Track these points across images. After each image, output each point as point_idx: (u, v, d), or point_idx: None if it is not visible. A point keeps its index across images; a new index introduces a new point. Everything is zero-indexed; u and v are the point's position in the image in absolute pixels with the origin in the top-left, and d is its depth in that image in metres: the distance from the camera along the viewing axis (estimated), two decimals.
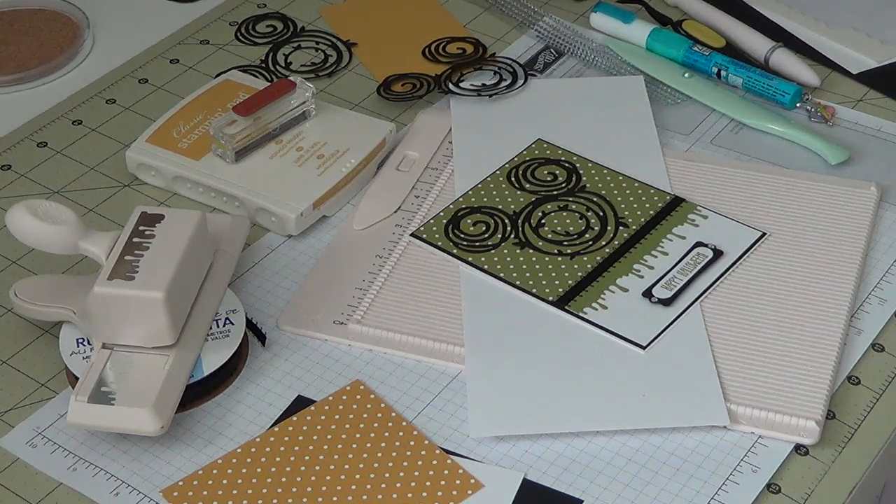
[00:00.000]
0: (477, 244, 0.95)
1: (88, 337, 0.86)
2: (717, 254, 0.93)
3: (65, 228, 0.88)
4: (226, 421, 0.84)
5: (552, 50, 1.15)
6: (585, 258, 0.93)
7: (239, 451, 0.82)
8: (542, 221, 0.96)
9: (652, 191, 0.98)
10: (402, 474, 0.80)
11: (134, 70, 1.14)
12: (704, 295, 0.91)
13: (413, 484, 0.80)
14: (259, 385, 0.87)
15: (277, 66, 1.13)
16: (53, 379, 0.88)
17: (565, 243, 0.95)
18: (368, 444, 0.82)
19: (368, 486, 0.80)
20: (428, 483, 0.80)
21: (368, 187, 1.01)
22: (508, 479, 0.80)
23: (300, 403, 0.85)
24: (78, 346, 0.86)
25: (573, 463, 0.82)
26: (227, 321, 0.87)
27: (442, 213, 0.97)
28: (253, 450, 0.82)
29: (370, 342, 0.89)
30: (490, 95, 1.08)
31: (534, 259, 0.93)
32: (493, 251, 0.94)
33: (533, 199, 0.98)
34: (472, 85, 1.09)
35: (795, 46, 1.13)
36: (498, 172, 1.01)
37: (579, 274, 0.92)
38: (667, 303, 0.90)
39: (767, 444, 0.82)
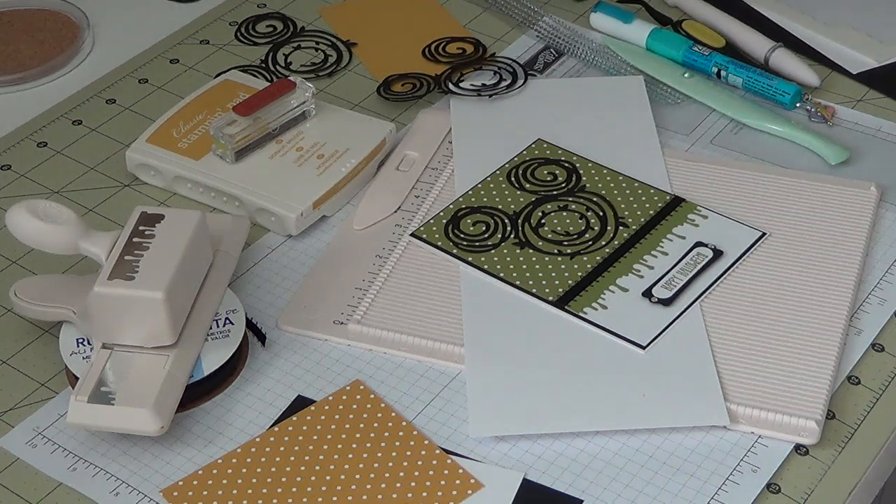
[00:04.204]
0: (477, 244, 0.95)
1: (88, 337, 0.86)
2: (717, 254, 0.93)
3: (65, 228, 0.87)
4: (226, 421, 0.84)
5: (552, 50, 1.15)
6: (585, 258, 0.93)
7: (239, 451, 0.82)
8: (542, 221, 0.96)
9: (652, 191, 0.98)
10: (402, 474, 0.80)
11: (134, 70, 1.14)
12: (704, 295, 0.91)
13: (413, 484, 0.80)
14: (259, 385, 0.87)
15: (277, 66, 1.13)
16: (53, 379, 0.87)
17: (565, 243, 0.94)
18: (368, 444, 0.82)
19: (368, 486, 0.80)
20: (428, 483, 0.80)
21: (368, 187, 1.01)
22: (508, 479, 0.80)
23: (300, 403, 0.85)
24: (78, 346, 0.86)
25: (573, 463, 0.81)
26: (227, 321, 0.87)
27: (442, 213, 0.97)
28: (253, 450, 0.82)
29: (370, 342, 0.89)
30: (490, 95, 1.08)
31: (534, 259, 0.93)
32: (493, 251, 0.94)
33: (533, 199, 0.98)
34: (472, 85, 1.09)
35: (795, 46, 1.13)
36: (498, 172, 1.01)
37: (579, 274, 0.92)
38: (667, 303, 0.90)
39: (767, 444, 0.82)
